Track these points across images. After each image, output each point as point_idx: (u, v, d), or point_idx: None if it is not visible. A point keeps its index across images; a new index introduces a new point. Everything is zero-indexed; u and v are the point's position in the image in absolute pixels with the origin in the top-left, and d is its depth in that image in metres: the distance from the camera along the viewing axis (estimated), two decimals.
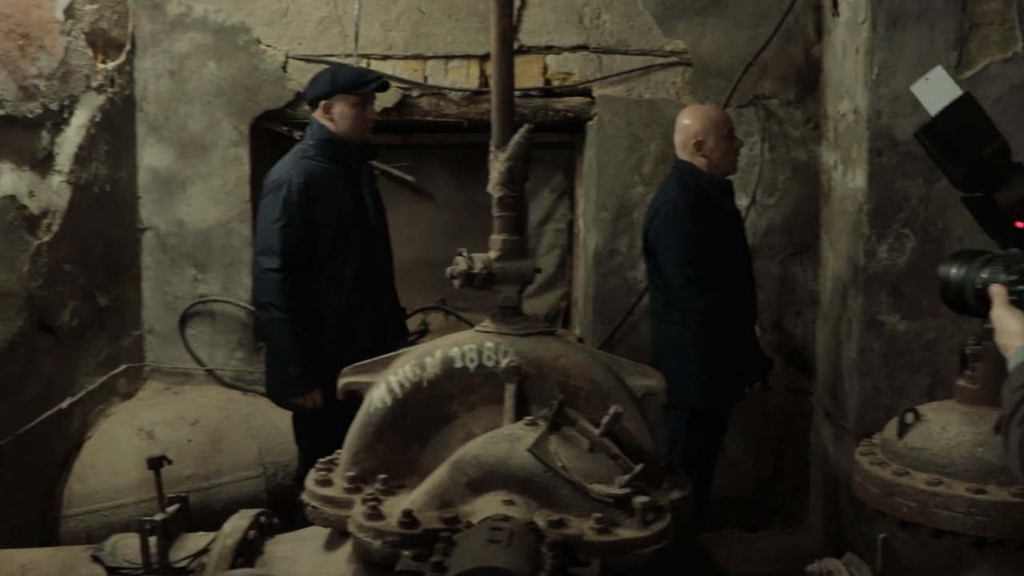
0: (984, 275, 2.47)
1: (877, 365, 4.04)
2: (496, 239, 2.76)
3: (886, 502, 2.81)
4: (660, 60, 4.74)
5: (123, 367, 4.82)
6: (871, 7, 3.88)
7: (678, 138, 4.07)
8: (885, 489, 2.83)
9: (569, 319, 5.47)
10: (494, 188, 2.73)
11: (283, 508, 4.00)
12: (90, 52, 4.46)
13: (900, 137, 3.92)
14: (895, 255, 3.99)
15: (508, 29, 2.68)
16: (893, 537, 2.74)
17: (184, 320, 5.00)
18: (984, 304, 2.39)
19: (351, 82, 3.97)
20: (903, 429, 2.93)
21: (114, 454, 4.32)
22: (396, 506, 2.48)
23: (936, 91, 2.56)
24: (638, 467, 2.42)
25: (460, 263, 2.72)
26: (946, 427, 2.85)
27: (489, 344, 2.67)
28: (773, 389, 4.79)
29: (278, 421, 4.56)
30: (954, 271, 2.60)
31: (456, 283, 2.74)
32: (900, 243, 3.99)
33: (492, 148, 2.73)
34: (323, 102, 3.97)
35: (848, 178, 4.20)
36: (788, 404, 4.91)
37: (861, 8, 3.96)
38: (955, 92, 2.55)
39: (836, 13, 4.37)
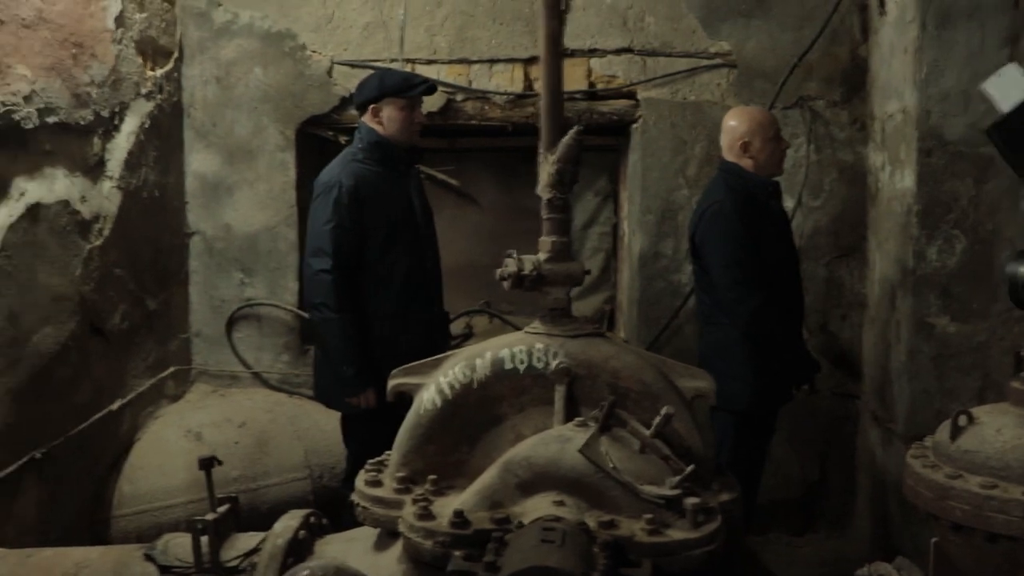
0: None
1: (927, 368, 4.00)
2: (546, 241, 2.76)
3: (939, 505, 2.78)
4: (704, 62, 4.73)
5: (171, 370, 4.88)
6: (920, 6, 3.85)
7: (724, 140, 4.06)
8: (938, 492, 2.79)
9: (613, 322, 5.46)
10: (544, 190, 2.73)
11: (329, 510, 4.03)
12: (139, 60, 4.54)
13: (950, 137, 3.88)
14: (944, 256, 3.95)
15: (556, 32, 2.68)
16: (946, 541, 2.71)
17: (231, 323, 5.05)
18: None
19: (399, 86, 4.00)
20: (956, 432, 2.89)
21: (163, 455, 4.38)
22: (446, 507, 2.49)
23: (1009, 88, 2.54)
24: (689, 468, 2.41)
25: (510, 264, 2.72)
26: (1001, 430, 2.81)
27: (539, 345, 2.67)
28: (820, 392, 4.75)
29: (324, 424, 4.60)
30: (1022, 270, 2.59)
31: (506, 284, 2.74)
32: (950, 244, 3.94)
33: (541, 150, 2.73)
34: (372, 106, 4.01)
35: (896, 179, 4.16)
36: (835, 407, 4.87)
37: (910, 7, 3.93)
38: None
39: (883, 12, 4.33)
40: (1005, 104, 2.55)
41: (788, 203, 4.55)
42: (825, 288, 4.79)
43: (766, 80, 4.70)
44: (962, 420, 2.91)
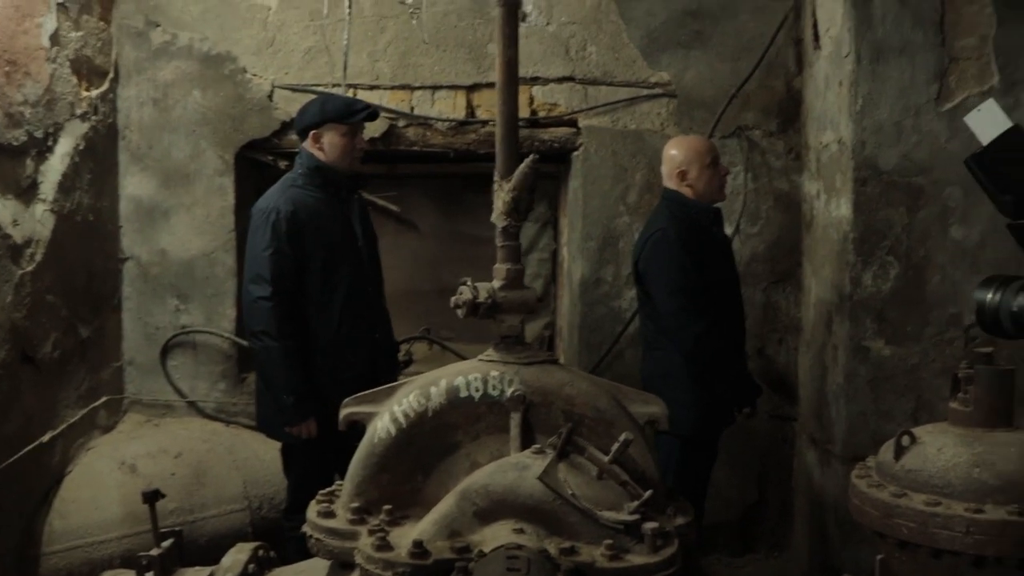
0: (1021, 300, 2.57)
1: (863, 390, 4.10)
2: (500, 268, 2.78)
3: (885, 523, 2.86)
4: (645, 92, 4.80)
5: (104, 399, 4.75)
6: (855, 41, 3.97)
7: (664, 168, 4.13)
8: (884, 511, 2.87)
9: (553, 348, 5.48)
10: (498, 218, 2.75)
11: (269, 541, 3.97)
12: (75, 79, 4.45)
13: (883, 167, 4.00)
14: (879, 282, 4.06)
15: (513, 60, 2.71)
16: (891, 558, 2.79)
17: (166, 351, 4.95)
18: (1021, 328, 2.48)
19: (341, 111, 3.98)
20: (900, 451, 2.97)
21: (96, 488, 4.26)
22: (403, 537, 2.48)
23: (988, 122, 2.68)
24: (647, 494, 2.44)
25: (465, 292, 2.73)
26: (942, 449, 2.90)
27: (494, 373, 2.68)
28: (757, 415, 4.84)
29: (263, 453, 4.52)
30: (990, 296, 2.69)
31: (460, 312, 2.74)
32: (884, 270, 4.05)
33: (496, 178, 2.75)
34: (313, 131, 3.97)
35: (832, 207, 4.26)
36: (772, 430, 4.95)
37: (845, 42, 4.04)
38: (1006, 124, 2.68)
39: (818, 47, 4.46)
40: (984, 137, 2.67)
41: (727, 230, 4.63)
42: (762, 313, 4.88)
43: (705, 110, 4.79)
44: (905, 440, 2.99)
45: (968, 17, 3.95)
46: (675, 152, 4.10)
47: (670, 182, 4.10)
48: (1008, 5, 3.92)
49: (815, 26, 4.49)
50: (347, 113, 4.00)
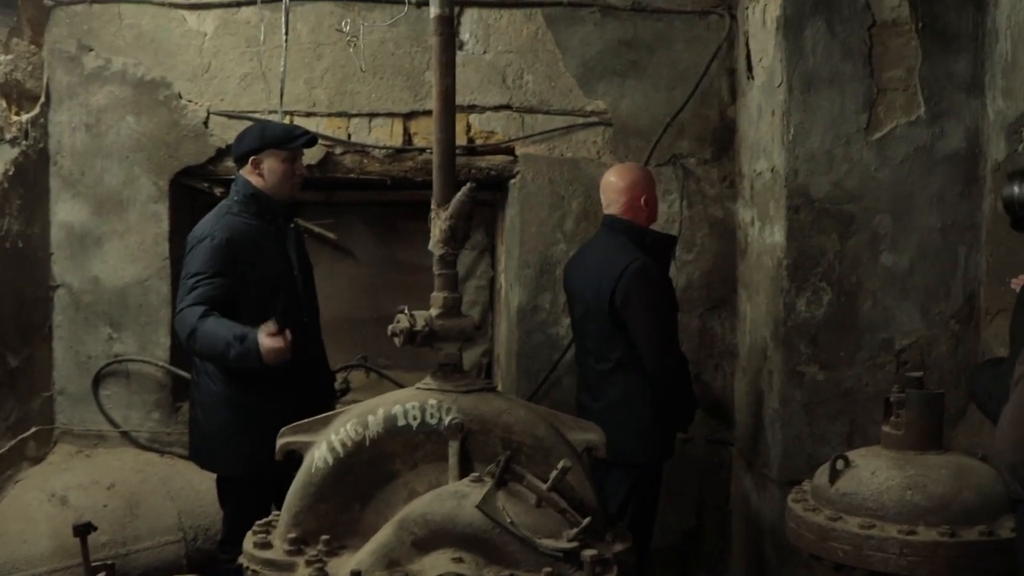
0: None
1: (798, 414, 4.15)
2: (438, 296, 2.78)
3: (821, 547, 2.91)
4: (581, 120, 4.84)
5: (33, 430, 4.65)
6: (787, 71, 4.05)
7: (622, 197, 4.04)
8: (820, 534, 2.92)
9: (491, 375, 5.48)
10: (436, 246, 2.76)
11: (205, 574, 3.91)
12: (3, 103, 4.37)
13: (815, 195, 4.08)
14: (813, 308, 4.13)
15: (450, 88, 2.73)
16: None
17: (98, 380, 4.85)
18: None
19: (281, 137, 3.96)
20: (834, 475, 3.03)
21: (24, 521, 4.15)
22: (341, 567, 2.46)
23: None
24: (586, 521, 2.45)
25: (402, 321, 2.73)
26: (875, 472, 2.97)
27: (432, 401, 2.68)
28: (694, 440, 4.88)
29: (198, 483, 4.45)
30: (1017, 189, 2.73)
31: (398, 341, 2.74)
32: (818, 296, 4.12)
33: (434, 206, 2.76)
34: (252, 157, 3.93)
35: (766, 234, 4.34)
36: (709, 454, 4.99)
37: (777, 72, 4.13)
38: None
39: (751, 77, 4.54)
40: None
41: None
42: (698, 339, 4.93)
43: (640, 138, 4.84)
44: (839, 464, 3.06)
45: (895, 49, 4.07)
46: (634, 180, 4.06)
47: (628, 211, 4.03)
48: (932, 39, 4.05)
49: (748, 56, 4.58)
50: (287, 139, 3.98)
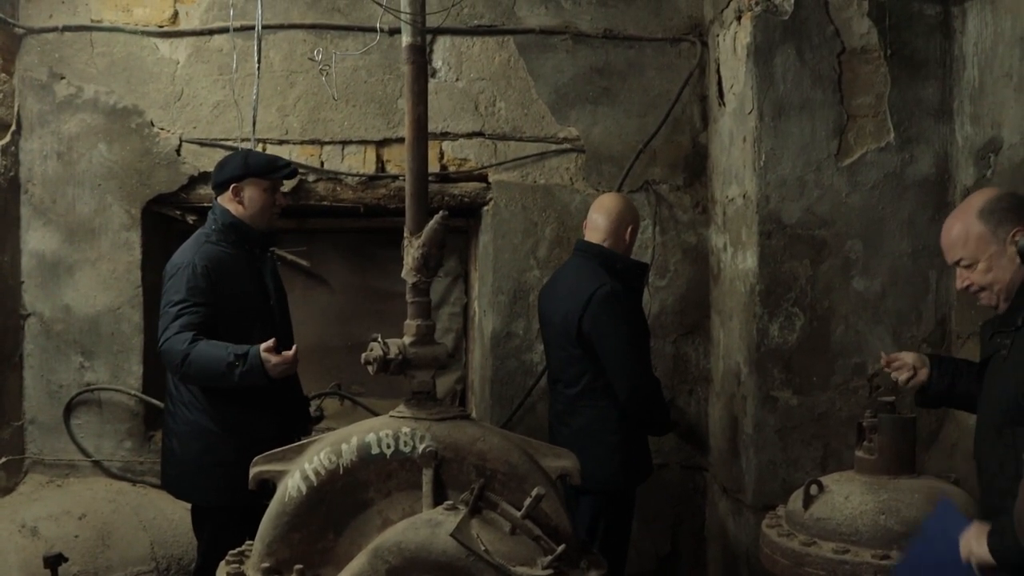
0: None
1: (772, 439, 4.17)
2: (411, 324, 2.78)
3: (796, 572, 2.92)
4: (554, 147, 4.87)
5: (3, 460, 4.60)
6: (758, 98, 4.10)
7: (609, 224, 4.02)
8: (794, 559, 2.93)
9: (465, 402, 5.47)
10: (409, 274, 2.76)
11: None
12: None
13: (787, 220, 4.12)
14: (786, 333, 4.16)
15: (423, 117, 2.74)
16: None
17: (69, 409, 4.81)
18: None
19: (263, 166, 3.95)
20: (808, 500, 3.04)
21: None
22: None
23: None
24: (560, 548, 2.44)
25: (375, 349, 2.72)
26: (849, 497, 2.98)
27: (405, 429, 2.67)
28: (669, 466, 4.89)
29: (171, 513, 4.41)
30: None
31: (371, 369, 2.73)
32: (790, 321, 4.15)
33: (407, 234, 2.76)
34: (234, 184, 3.92)
35: (739, 260, 4.37)
36: (684, 480, 5.00)
37: (748, 99, 4.17)
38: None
39: (722, 103, 4.59)
40: None
41: None
42: (672, 364, 4.95)
43: (613, 164, 4.88)
44: (813, 489, 3.07)
45: (864, 76, 4.12)
46: (622, 208, 4.07)
47: (608, 238, 4.02)
48: (901, 65, 4.11)
49: (719, 83, 4.63)
50: (270, 168, 3.98)
